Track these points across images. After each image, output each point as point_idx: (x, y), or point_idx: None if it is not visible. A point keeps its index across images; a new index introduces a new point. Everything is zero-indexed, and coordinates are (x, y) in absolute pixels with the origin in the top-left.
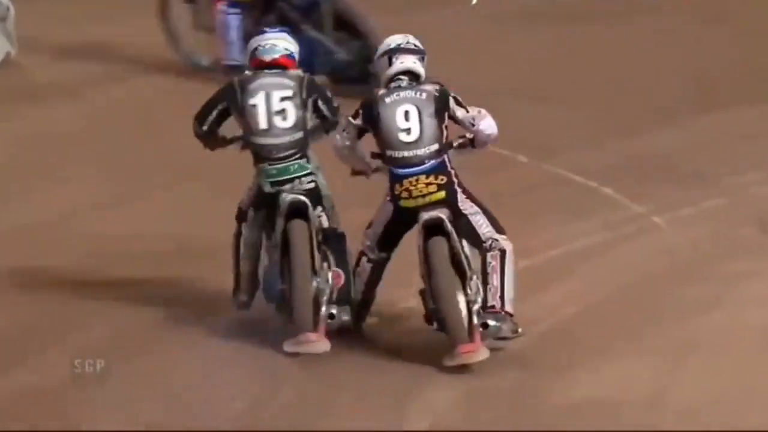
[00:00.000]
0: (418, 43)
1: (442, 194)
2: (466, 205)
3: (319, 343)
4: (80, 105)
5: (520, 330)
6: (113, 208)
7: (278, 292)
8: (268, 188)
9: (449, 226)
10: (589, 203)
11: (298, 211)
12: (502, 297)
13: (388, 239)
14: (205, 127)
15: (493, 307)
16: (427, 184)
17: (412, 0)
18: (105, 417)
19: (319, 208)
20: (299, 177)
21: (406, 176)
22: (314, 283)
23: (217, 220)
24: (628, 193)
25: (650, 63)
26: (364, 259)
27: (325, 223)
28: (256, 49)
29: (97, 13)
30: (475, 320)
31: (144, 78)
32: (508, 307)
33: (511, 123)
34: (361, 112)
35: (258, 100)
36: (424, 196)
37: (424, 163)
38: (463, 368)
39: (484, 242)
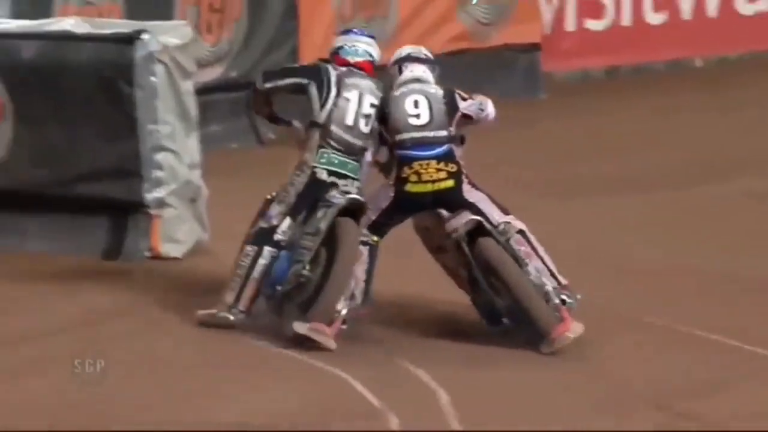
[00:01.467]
0: (429, 53)
1: (450, 183)
2: (471, 195)
3: (330, 339)
4: None
5: (578, 296)
6: None
7: (280, 282)
8: (323, 176)
9: (487, 224)
10: None
11: (353, 211)
12: (552, 273)
13: (381, 226)
14: (268, 85)
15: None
16: (438, 170)
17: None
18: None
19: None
20: (351, 178)
21: (417, 159)
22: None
23: None
24: None
25: None
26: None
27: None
28: (341, 47)
29: None
30: (556, 300)
31: None
32: (563, 280)
33: None
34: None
35: (352, 96)
36: (433, 182)
37: (434, 148)
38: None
39: (497, 226)
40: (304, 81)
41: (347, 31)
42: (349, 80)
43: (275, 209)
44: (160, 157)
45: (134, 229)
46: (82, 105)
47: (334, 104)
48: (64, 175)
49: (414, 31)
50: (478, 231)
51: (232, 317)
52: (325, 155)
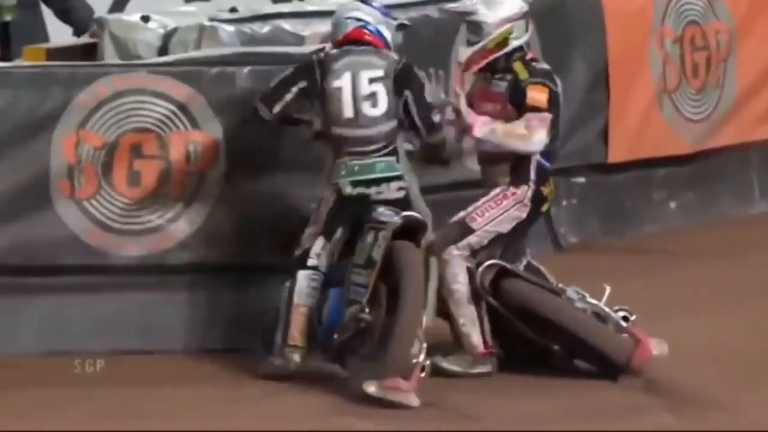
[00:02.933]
0: None
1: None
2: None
3: (411, 394)
4: None
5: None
6: None
7: (335, 327)
8: (348, 190)
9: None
10: None
11: (411, 231)
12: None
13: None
14: (278, 109)
15: None
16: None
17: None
18: None
19: None
20: (386, 180)
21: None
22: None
23: None
24: None
25: None
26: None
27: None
28: (339, 23)
29: None
30: (616, 319)
31: None
32: None
33: None
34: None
35: (343, 83)
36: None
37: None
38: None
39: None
40: (304, 83)
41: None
42: (336, 64)
43: (306, 232)
44: None
45: None
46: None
47: (329, 100)
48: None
49: (758, 105)
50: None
51: (287, 361)
52: (342, 165)
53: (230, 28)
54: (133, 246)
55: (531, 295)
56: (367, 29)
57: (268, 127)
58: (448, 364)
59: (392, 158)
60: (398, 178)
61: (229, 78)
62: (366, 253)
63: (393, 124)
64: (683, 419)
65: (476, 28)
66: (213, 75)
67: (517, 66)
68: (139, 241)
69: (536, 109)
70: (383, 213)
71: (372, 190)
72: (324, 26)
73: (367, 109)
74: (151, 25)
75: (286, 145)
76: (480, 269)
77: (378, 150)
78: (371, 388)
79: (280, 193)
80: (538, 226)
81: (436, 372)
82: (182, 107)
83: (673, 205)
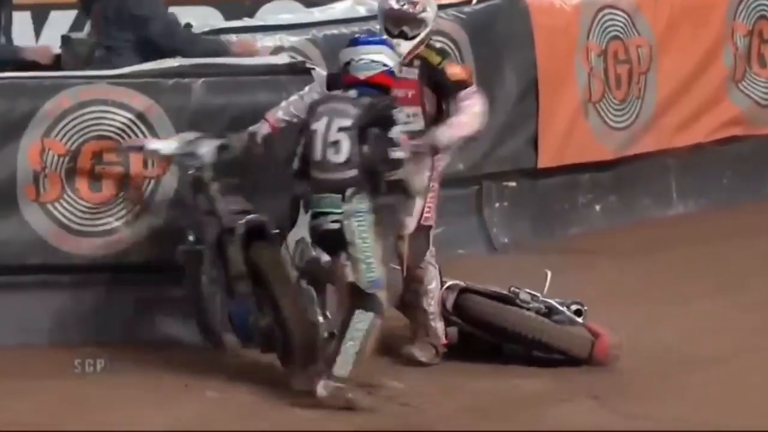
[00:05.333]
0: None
1: None
2: None
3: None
4: None
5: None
6: None
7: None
8: (310, 221)
9: None
10: None
11: (259, 232)
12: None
13: None
14: (296, 165)
15: None
16: None
17: None
18: None
19: (344, 255)
20: (327, 214)
21: None
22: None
23: None
24: None
25: None
26: None
27: (349, 276)
28: (348, 63)
29: None
30: (568, 313)
31: None
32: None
33: None
34: None
35: (319, 126)
36: None
37: None
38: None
39: None
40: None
41: (354, 42)
42: (322, 107)
43: None
44: None
45: None
46: None
47: (307, 140)
48: None
49: (676, 115)
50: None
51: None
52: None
53: None
54: (94, 247)
55: (487, 309)
56: (392, 75)
57: (224, 134)
58: (419, 355)
59: (337, 196)
60: (335, 213)
61: (185, 88)
62: (235, 265)
63: (353, 173)
64: (605, 407)
65: (418, 23)
66: (170, 86)
67: (425, 51)
68: (99, 242)
69: (462, 83)
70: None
71: (319, 221)
72: (271, 40)
73: (331, 155)
74: None
75: None
76: (441, 290)
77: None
78: (298, 384)
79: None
80: (472, 228)
81: (409, 360)
82: (141, 116)
83: (597, 207)
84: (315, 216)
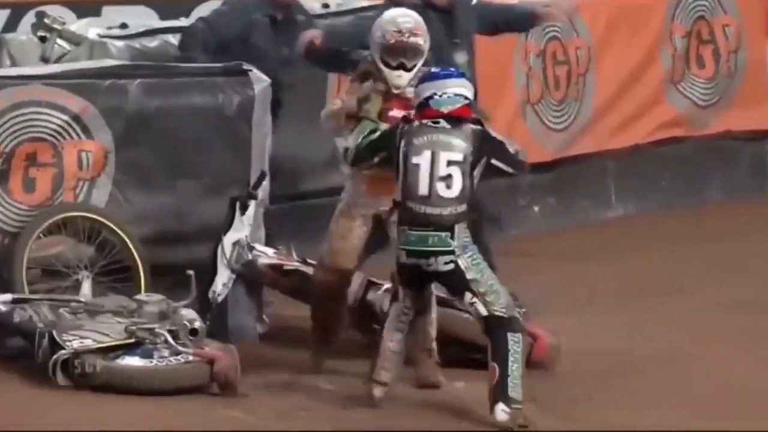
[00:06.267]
0: None
1: None
2: None
3: None
4: None
5: None
6: None
7: None
8: (403, 258)
9: None
10: None
11: None
12: None
13: None
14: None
15: None
16: None
17: None
18: None
19: (469, 295)
20: (437, 254)
21: None
22: None
23: None
24: None
25: None
26: None
27: (483, 311)
28: (430, 97)
29: None
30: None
31: None
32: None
33: None
34: None
35: (422, 160)
36: None
37: None
38: None
39: None
40: (385, 153)
41: (434, 76)
42: (418, 140)
43: None
44: None
45: None
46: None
47: (407, 174)
48: None
49: (615, 116)
50: None
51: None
52: (404, 234)
53: (120, 43)
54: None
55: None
56: (471, 107)
57: (161, 137)
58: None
59: (445, 233)
60: (448, 252)
61: (120, 90)
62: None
63: (464, 207)
64: (543, 409)
65: (417, 53)
66: (105, 87)
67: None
68: (33, 242)
69: None
70: None
71: (422, 261)
72: None
73: (441, 189)
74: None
75: (178, 153)
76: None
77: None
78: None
79: (171, 200)
80: None
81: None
82: (76, 118)
83: (536, 209)
84: (415, 254)
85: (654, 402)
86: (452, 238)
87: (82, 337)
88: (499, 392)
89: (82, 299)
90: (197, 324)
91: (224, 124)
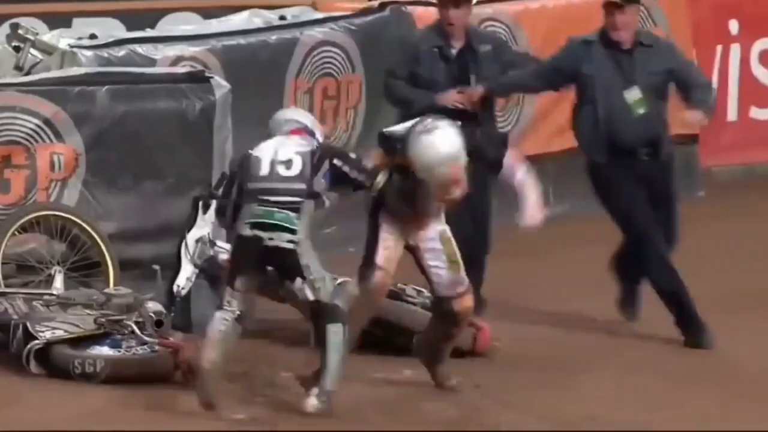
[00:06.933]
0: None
1: None
2: None
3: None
4: None
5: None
6: None
7: None
8: (245, 231)
9: None
10: None
11: None
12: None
13: None
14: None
15: None
16: None
17: None
18: None
19: (299, 280)
20: (282, 230)
21: None
22: None
23: None
24: None
25: None
26: None
27: (310, 296)
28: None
29: None
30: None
31: None
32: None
33: None
34: None
35: (263, 153)
36: None
37: None
38: None
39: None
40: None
41: None
42: (261, 144)
43: None
44: None
45: None
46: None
47: (249, 167)
48: None
49: (552, 121)
50: None
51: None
52: (249, 211)
53: (89, 52)
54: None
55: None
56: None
57: (128, 140)
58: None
59: (294, 215)
60: (293, 230)
61: (89, 96)
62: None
63: (303, 186)
64: (487, 396)
65: None
66: (75, 93)
67: None
68: (8, 239)
69: None
70: None
71: (265, 235)
72: (172, 50)
73: (282, 170)
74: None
75: (144, 155)
76: None
77: (282, 204)
78: None
79: (137, 200)
80: (363, 227)
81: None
82: (48, 122)
83: None
84: (259, 226)
85: (590, 391)
86: (298, 219)
87: (54, 328)
88: (316, 381)
89: (55, 293)
90: (162, 316)
91: (187, 128)
